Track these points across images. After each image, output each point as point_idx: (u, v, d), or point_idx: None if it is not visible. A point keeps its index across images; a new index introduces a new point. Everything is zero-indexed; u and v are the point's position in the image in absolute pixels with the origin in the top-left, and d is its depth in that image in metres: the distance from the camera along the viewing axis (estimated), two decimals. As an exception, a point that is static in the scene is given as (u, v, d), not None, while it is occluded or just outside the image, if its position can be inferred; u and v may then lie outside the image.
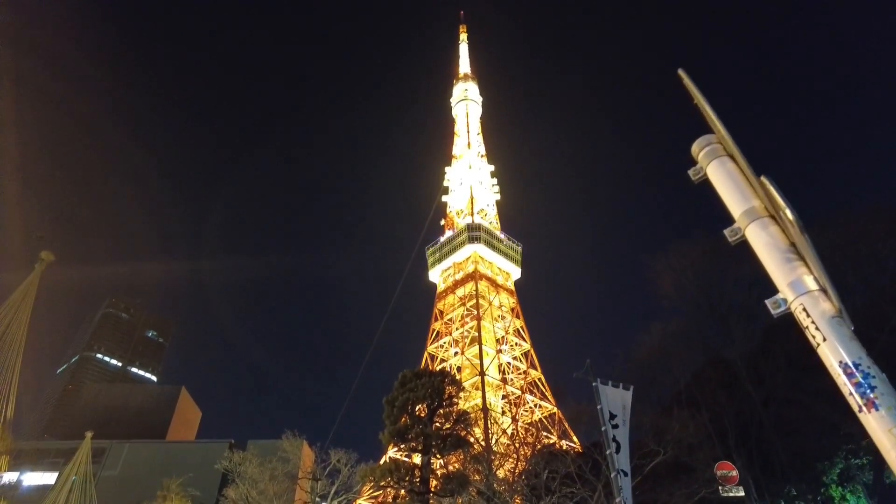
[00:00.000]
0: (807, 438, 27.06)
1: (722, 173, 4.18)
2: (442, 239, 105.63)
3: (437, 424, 26.62)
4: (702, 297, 32.43)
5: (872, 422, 2.74)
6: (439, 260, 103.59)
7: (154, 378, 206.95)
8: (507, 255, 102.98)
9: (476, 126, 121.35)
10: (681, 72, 4.00)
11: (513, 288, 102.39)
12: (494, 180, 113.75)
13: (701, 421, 27.36)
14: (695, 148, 4.47)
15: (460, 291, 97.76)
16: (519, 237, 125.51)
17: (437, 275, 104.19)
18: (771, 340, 29.65)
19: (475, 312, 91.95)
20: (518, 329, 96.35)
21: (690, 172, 4.49)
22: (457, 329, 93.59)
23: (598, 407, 13.33)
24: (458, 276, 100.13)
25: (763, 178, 3.62)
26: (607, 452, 12.96)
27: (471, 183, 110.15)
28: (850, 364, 2.93)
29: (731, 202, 4.04)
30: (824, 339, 3.06)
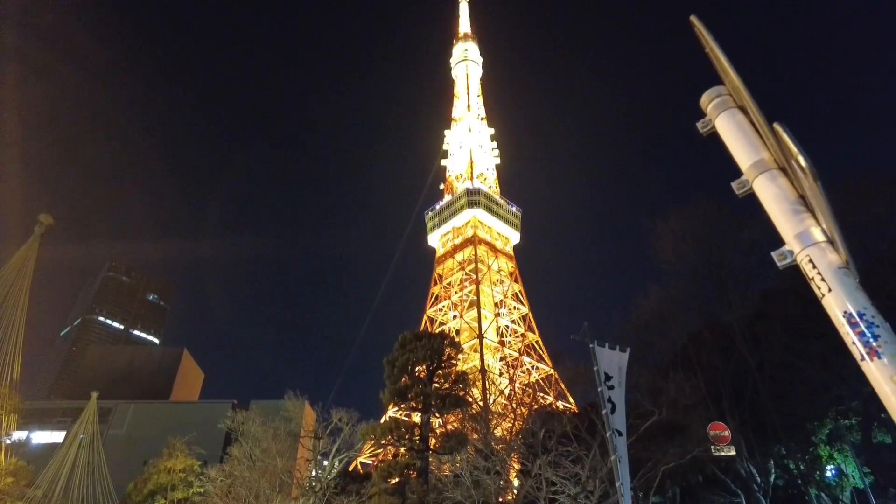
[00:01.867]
0: (798, 400, 27.68)
1: (731, 125, 4.08)
2: (441, 203, 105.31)
3: (437, 385, 27.16)
4: (701, 261, 32.62)
5: (874, 370, 2.76)
6: (438, 224, 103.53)
7: (156, 341, 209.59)
8: (506, 220, 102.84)
9: (476, 87, 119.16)
10: (693, 18, 3.85)
11: (511, 252, 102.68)
12: (494, 144, 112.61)
13: (696, 383, 27.90)
14: (704, 99, 4.35)
15: (459, 256, 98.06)
16: (518, 201, 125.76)
17: (437, 239, 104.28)
18: (767, 305, 29.97)
19: (474, 277, 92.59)
20: (516, 293, 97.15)
21: (699, 125, 4.39)
22: (456, 293, 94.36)
23: (595, 368, 13.52)
24: (457, 241, 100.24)
25: (776, 125, 3.53)
26: (603, 412, 13.22)
27: (470, 146, 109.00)
28: (854, 314, 2.92)
29: (740, 154, 3.96)
30: (829, 290, 3.05)
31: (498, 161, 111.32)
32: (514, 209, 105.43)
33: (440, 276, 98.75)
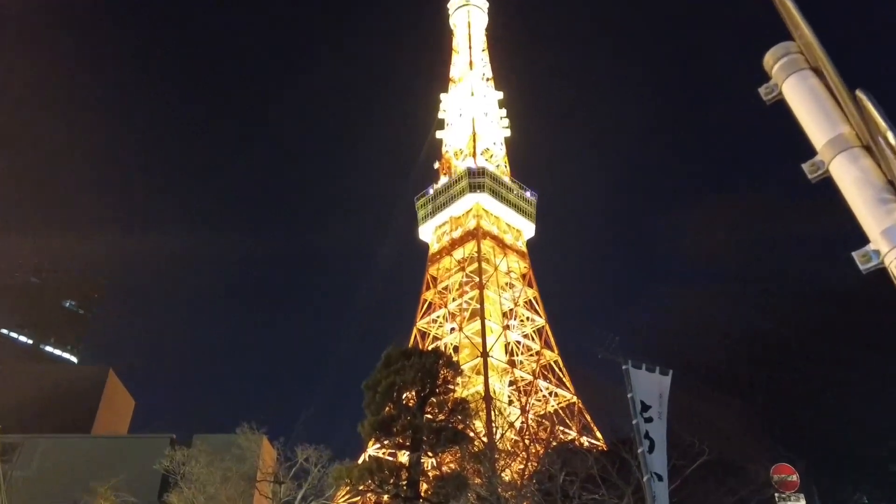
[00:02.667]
0: (877, 431, 27.78)
1: (803, 91, 4.06)
2: (435, 187, 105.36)
3: (429, 415, 27.20)
4: (747, 259, 32.77)
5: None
6: (432, 213, 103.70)
7: (74, 359, 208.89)
8: (517, 208, 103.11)
9: (480, 40, 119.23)
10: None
11: (524, 249, 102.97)
12: (503, 112, 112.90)
13: (744, 407, 28.05)
14: (768, 58, 4.33)
15: (458, 253, 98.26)
16: (533, 185, 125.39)
17: (430, 232, 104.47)
18: (832, 314, 30.09)
19: (477, 279, 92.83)
20: (530, 300, 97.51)
21: (762, 91, 4.36)
22: (454, 300, 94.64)
23: (629, 396, 13.58)
24: (456, 234, 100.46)
25: (859, 93, 3.52)
26: (639, 451, 13.27)
27: (473, 114, 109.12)
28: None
29: (813, 128, 3.95)
30: (925, 301, 3.05)
31: (508, 133, 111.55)
32: (527, 194, 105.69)
33: (434, 279, 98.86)
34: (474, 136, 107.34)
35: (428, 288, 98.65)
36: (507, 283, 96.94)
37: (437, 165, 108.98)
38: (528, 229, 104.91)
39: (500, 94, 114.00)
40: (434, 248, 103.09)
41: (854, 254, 3.37)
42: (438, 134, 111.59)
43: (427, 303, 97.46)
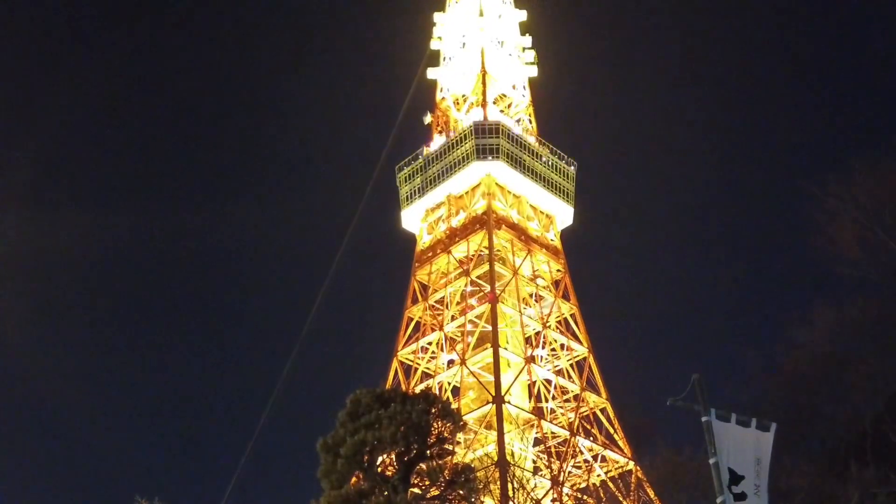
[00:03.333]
0: None
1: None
2: (427, 151, 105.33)
3: (417, 489, 27.22)
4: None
5: None
6: (421, 191, 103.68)
7: None
8: (548, 183, 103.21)
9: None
10: None
11: (558, 244, 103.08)
12: (527, 40, 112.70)
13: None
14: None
15: (460, 249, 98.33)
16: (573, 148, 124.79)
17: (417, 218, 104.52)
18: None
19: (487, 289, 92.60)
20: (567, 319, 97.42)
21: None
22: (453, 319, 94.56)
23: (711, 461, 13.58)
24: (457, 221, 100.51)
25: None
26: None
27: (482, 44, 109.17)
28: None
29: None
30: None
31: (534, 73, 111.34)
32: (563, 163, 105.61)
33: (424, 288, 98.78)
34: (484, 75, 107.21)
35: (415, 301, 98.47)
36: (532, 295, 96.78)
37: (428, 119, 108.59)
38: (565, 214, 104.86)
39: (523, 15, 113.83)
40: (424, 241, 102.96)
41: None
42: (430, 72, 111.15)
43: (413, 323, 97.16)
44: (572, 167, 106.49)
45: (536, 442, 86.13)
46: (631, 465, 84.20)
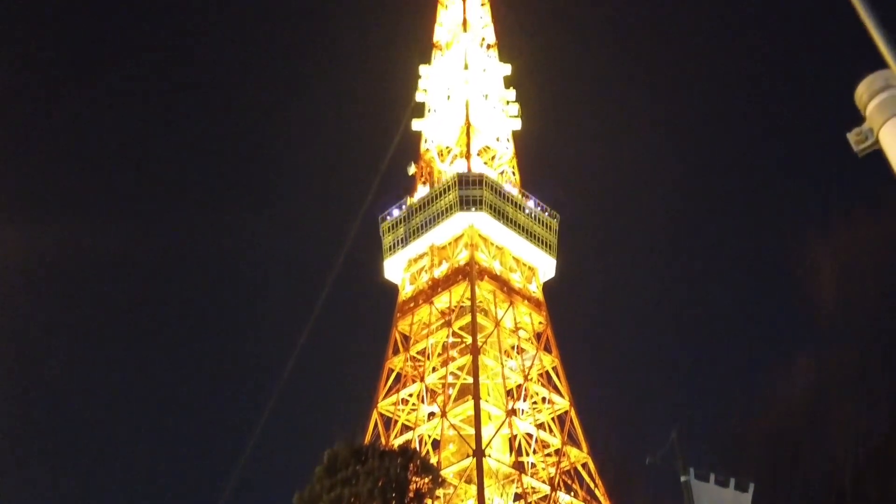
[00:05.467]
0: None
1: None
2: (410, 202, 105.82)
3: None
4: (889, 311, 33.06)
5: None
6: (404, 241, 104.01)
7: None
8: (531, 235, 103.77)
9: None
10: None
11: (540, 295, 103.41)
12: (511, 94, 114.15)
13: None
14: (861, 93, 4.64)
15: (442, 300, 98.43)
16: (556, 200, 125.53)
17: (400, 268, 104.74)
18: None
19: (469, 340, 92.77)
20: (549, 372, 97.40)
21: (851, 137, 4.66)
22: (434, 370, 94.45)
23: (688, 525, 13.77)
24: (440, 272, 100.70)
25: None
26: None
27: (467, 96, 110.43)
28: None
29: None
30: None
31: (518, 125, 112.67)
32: (546, 215, 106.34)
33: (405, 338, 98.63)
34: (468, 127, 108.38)
35: (396, 352, 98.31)
36: (514, 347, 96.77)
37: (412, 170, 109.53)
38: (547, 266, 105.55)
39: (508, 69, 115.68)
40: (406, 291, 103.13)
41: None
42: (415, 124, 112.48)
43: (394, 374, 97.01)
44: (555, 219, 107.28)
45: (517, 497, 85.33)
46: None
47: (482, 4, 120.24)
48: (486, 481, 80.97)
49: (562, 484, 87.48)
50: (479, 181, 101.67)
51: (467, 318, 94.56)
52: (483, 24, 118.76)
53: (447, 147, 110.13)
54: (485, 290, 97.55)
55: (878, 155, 4.72)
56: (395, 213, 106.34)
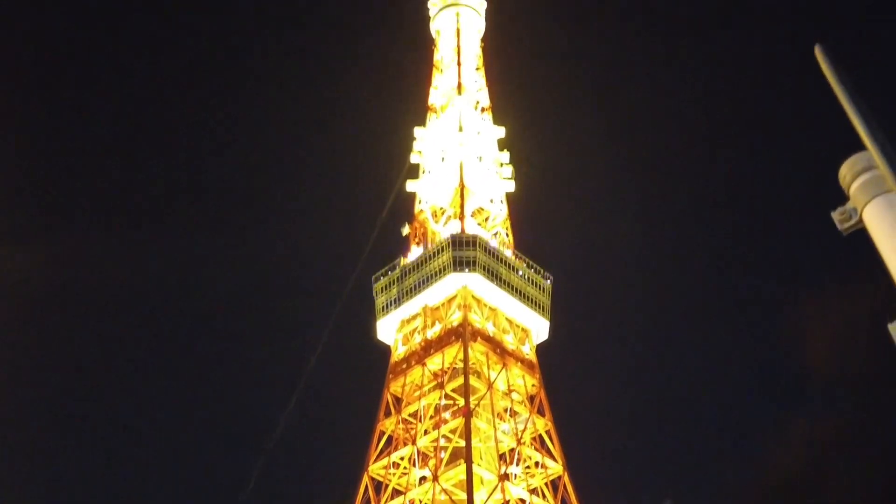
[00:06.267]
0: None
1: (891, 225, 4.32)
2: (404, 262, 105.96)
3: None
4: (884, 377, 33.01)
5: None
6: (397, 301, 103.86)
7: None
8: (525, 297, 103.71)
9: (474, 53, 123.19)
10: (818, 50, 4.18)
11: (534, 357, 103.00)
12: (505, 156, 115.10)
13: None
14: (844, 173, 4.62)
15: (435, 362, 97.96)
16: (549, 262, 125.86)
17: (392, 329, 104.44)
18: None
19: (462, 403, 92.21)
20: (542, 436, 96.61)
21: (835, 216, 4.64)
22: (426, 433, 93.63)
23: None
24: (432, 333, 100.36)
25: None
26: None
27: (461, 158, 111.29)
28: None
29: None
30: None
31: (511, 187, 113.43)
32: (539, 276, 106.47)
33: (397, 401, 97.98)
34: (462, 189, 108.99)
35: (387, 414, 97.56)
36: (507, 410, 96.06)
37: (406, 231, 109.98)
38: (540, 328, 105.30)
39: (502, 132, 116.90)
40: (398, 352, 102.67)
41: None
42: (410, 185, 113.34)
43: (385, 436, 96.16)
44: (548, 281, 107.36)
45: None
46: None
47: (476, 69, 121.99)
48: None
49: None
50: (473, 242, 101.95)
51: (460, 380, 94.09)
52: (477, 88, 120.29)
53: (441, 208, 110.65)
54: (478, 351, 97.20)
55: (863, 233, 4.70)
56: (389, 273, 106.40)
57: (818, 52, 4.21)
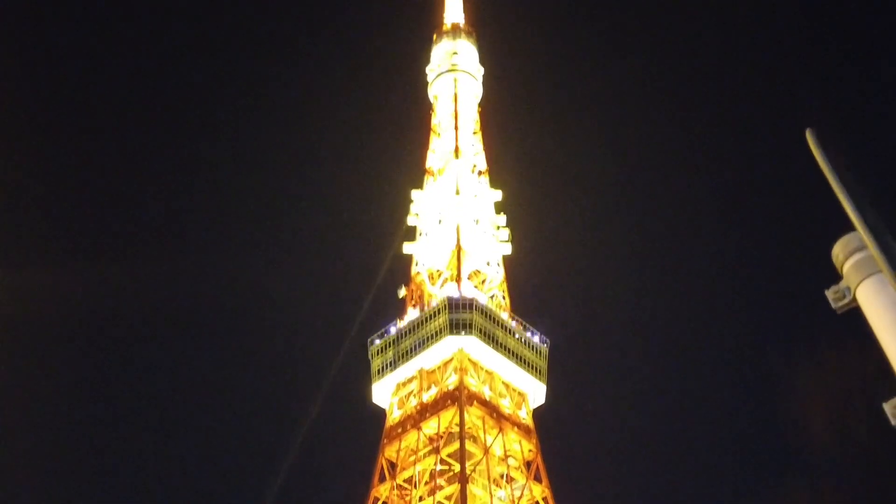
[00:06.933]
0: None
1: (883, 304, 4.38)
2: (400, 325, 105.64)
3: None
4: (879, 452, 32.84)
5: None
6: (393, 364, 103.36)
7: None
8: (521, 360, 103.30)
9: (471, 118, 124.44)
10: (809, 134, 4.28)
11: (531, 422, 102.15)
12: (502, 219, 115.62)
13: None
14: (837, 252, 4.69)
15: (430, 426, 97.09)
16: (546, 325, 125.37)
17: (388, 393, 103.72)
18: None
19: (458, 468, 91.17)
20: (539, 502, 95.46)
21: (829, 294, 4.70)
22: (421, 499, 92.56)
23: None
24: (428, 397, 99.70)
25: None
26: None
27: (458, 221, 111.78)
28: None
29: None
30: None
31: (508, 250, 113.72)
32: (536, 340, 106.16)
33: (391, 465, 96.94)
34: (459, 252, 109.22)
35: (382, 479, 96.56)
36: (503, 475, 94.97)
37: (402, 293, 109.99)
38: (537, 392, 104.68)
39: (498, 195, 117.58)
40: (394, 416, 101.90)
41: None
42: (406, 247, 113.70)
43: (380, 503, 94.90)
44: (545, 344, 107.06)
45: None
46: None
47: (474, 133, 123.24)
48: None
49: None
50: (470, 305, 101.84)
51: (456, 445, 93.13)
52: (475, 152, 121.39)
53: (438, 270, 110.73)
54: (474, 415, 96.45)
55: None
56: (385, 336, 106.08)
57: (809, 136, 4.31)
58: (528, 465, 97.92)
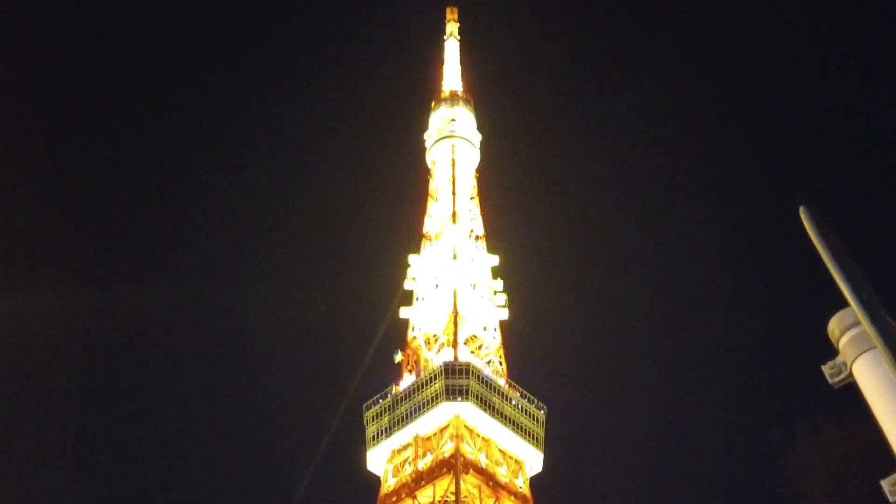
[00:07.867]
0: None
1: (879, 381, 4.38)
2: (395, 390, 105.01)
3: None
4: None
5: None
6: (388, 431, 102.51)
7: None
8: (518, 427, 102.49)
9: (469, 184, 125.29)
10: (803, 212, 4.34)
11: (527, 491, 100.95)
12: (499, 284, 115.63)
13: None
14: (833, 328, 4.70)
15: (426, 495, 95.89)
16: (543, 392, 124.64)
17: (383, 460, 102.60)
18: None
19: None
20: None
21: (826, 369, 4.69)
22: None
23: None
24: (424, 464, 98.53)
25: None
26: None
27: (455, 286, 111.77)
28: None
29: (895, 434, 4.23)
30: None
31: (505, 315, 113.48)
32: (534, 406, 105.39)
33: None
34: (456, 316, 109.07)
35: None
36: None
37: (398, 358, 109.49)
38: (534, 460, 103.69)
39: (495, 260, 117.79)
40: (388, 484, 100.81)
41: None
42: (403, 312, 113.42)
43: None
44: (542, 411, 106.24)
45: None
46: None
47: (471, 198, 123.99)
48: None
49: None
50: (466, 370, 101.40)
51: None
52: (472, 217, 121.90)
53: (434, 335, 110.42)
54: (470, 484, 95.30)
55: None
56: (380, 401, 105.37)
57: (803, 213, 4.36)
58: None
